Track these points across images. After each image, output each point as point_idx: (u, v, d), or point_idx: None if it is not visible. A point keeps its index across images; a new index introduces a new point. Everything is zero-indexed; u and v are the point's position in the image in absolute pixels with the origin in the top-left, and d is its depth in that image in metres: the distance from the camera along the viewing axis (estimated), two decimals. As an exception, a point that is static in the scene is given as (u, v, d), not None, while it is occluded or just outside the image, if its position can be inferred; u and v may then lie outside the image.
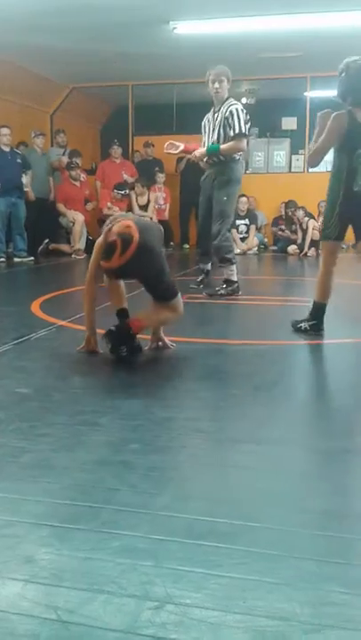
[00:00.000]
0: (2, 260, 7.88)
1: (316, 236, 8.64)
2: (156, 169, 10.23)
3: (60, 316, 4.21)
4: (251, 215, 9.89)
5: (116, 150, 10.01)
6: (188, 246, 10.68)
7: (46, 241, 9.24)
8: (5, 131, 7.99)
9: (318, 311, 3.67)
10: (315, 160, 3.52)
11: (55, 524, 1.48)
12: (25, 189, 8.24)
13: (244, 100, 11.60)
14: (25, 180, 8.21)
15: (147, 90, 10.56)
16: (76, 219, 9.05)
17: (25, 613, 1.17)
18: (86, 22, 7.24)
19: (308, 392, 2.81)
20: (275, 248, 10.29)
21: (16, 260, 8.19)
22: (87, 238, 9.59)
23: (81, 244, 9.23)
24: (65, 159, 9.52)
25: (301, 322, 3.74)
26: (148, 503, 1.59)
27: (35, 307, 4.64)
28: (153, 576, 1.28)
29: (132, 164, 10.52)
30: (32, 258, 8.30)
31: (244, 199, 9.56)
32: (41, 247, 9.10)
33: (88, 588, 1.24)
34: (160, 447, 1.99)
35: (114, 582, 1.26)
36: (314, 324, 3.67)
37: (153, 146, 10.36)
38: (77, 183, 9.28)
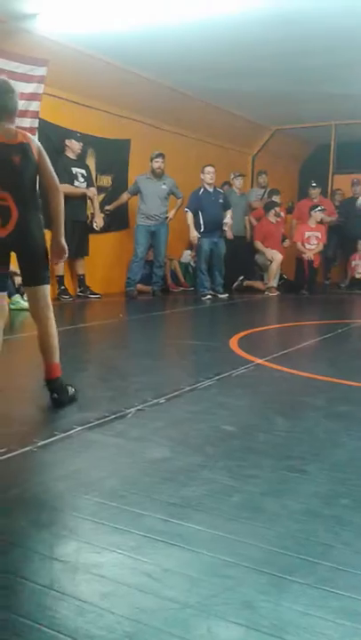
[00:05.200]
0: (209, 297, 8.22)
1: None
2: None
3: (257, 354, 4.27)
4: None
5: (316, 192, 9.98)
6: None
7: (241, 278, 9.48)
8: (210, 169, 8.37)
9: None
10: None
11: (272, 572, 1.49)
12: (224, 228, 8.55)
13: None
14: (226, 219, 8.52)
15: (350, 128, 10.44)
16: (274, 258, 9.18)
17: (248, 660, 1.19)
18: (290, 66, 7.42)
19: None
20: None
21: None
22: (281, 277, 9.67)
23: (274, 283, 9.32)
24: (258, 203, 9.80)
25: None
26: (365, 565, 1.53)
27: (233, 343, 4.77)
28: (378, 646, 1.23)
29: (332, 202, 10.41)
30: (227, 294, 8.55)
31: None
32: (236, 283, 9.36)
33: (311, 646, 1.23)
34: (373, 505, 1.91)
35: (337, 645, 1.23)
36: None
37: (360, 184, 10.20)
38: (274, 221, 9.41)
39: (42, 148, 2.94)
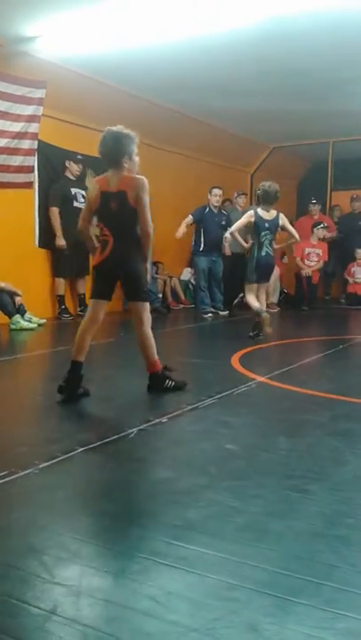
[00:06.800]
0: (210, 314, 8.25)
1: None
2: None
3: (258, 372, 4.27)
4: None
5: (316, 208, 10.07)
6: None
7: (241, 295, 9.49)
8: (217, 192, 8.47)
9: (257, 324, 6.05)
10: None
11: (277, 594, 1.48)
12: (224, 242, 8.60)
13: None
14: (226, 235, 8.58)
15: (347, 145, 10.53)
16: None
17: None
18: (288, 84, 7.50)
19: None
20: None
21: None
22: (281, 292, 9.69)
23: (274, 298, 9.34)
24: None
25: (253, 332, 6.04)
26: (371, 586, 1.52)
27: (234, 360, 4.76)
28: (385, 670, 1.21)
29: (331, 219, 10.47)
30: (228, 311, 8.56)
31: None
32: (236, 300, 9.37)
33: (317, 670, 1.22)
34: (377, 524, 1.90)
35: (344, 669, 1.22)
36: (256, 334, 6.03)
37: (359, 200, 10.26)
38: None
39: (141, 196, 3.37)
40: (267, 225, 5.99)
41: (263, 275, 6.15)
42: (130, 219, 3.41)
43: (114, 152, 3.40)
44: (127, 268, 3.48)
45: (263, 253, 6.02)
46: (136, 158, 3.49)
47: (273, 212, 6.03)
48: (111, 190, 3.41)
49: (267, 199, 5.99)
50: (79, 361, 3.47)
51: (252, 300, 6.15)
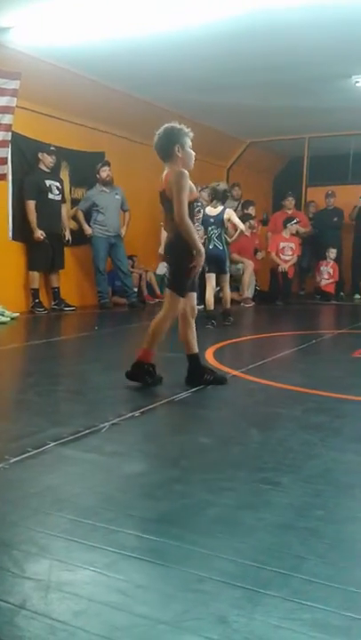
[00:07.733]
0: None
1: None
2: (335, 219, 10.27)
3: (232, 366, 4.29)
4: None
5: (290, 202, 10.13)
6: (359, 297, 10.38)
7: (217, 289, 9.50)
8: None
9: (226, 312, 6.82)
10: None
11: (246, 586, 1.49)
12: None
13: None
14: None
15: (323, 141, 10.61)
16: (246, 267, 9.25)
17: None
18: (264, 79, 7.52)
19: None
20: None
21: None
22: (255, 288, 9.73)
23: (249, 293, 9.37)
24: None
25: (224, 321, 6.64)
26: (338, 577, 1.54)
27: (209, 354, 4.77)
28: (350, 659, 1.23)
29: (305, 214, 10.54)
30: (202, 305, 8.56)
31: None
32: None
33: (284, 660, 1.23)
34: (346, 517, 1.92)
35: (310, 659, 1.23)
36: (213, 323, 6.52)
37: (334, 196, 10.35)
38: (249, 234, 9.49)
39: (175, 189, 3.43)
40: (212, 220, 6.55)
41: (214, 266, 6.59)
42: (170, 213, 3.51)
43: (162, 148, 3.60)
44: (168, 258, 3.75)
45: (211, 246, 6.48)
46: (189, 150, 3.59)
47: (219, 208, 6.56)
48: (161, 186, 3.61)
49: (215, 197, 6.63)
50: (192, 353, 3.67)
51: (207, 289, 6.79)
